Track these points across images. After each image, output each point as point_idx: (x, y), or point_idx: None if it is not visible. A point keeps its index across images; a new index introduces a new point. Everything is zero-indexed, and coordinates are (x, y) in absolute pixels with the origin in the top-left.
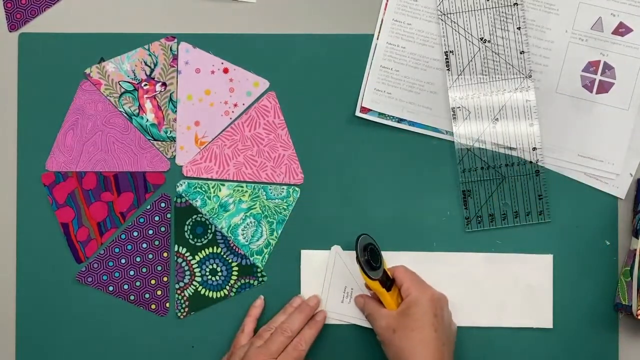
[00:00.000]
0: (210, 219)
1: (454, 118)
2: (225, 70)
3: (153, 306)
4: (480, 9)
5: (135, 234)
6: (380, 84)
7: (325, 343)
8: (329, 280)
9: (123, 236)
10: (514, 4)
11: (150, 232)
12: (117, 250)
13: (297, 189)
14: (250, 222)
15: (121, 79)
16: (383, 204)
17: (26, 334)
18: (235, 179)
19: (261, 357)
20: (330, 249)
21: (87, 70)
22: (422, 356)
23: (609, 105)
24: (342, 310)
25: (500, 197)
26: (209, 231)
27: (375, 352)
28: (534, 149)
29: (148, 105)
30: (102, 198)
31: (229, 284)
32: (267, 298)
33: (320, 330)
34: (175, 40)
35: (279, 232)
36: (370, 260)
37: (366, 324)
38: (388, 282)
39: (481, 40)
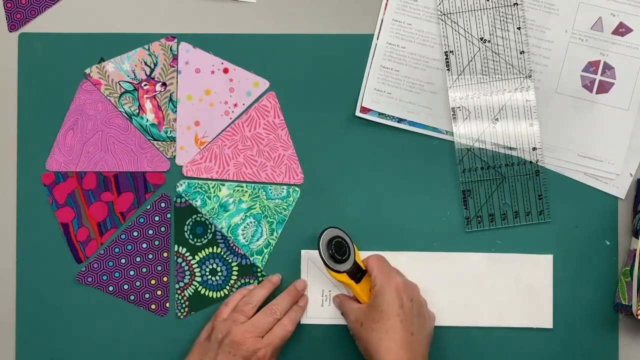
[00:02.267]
0: (210, 219)
1: (454, 118)
2: (225, 70)
3: (153, 306)
4: (480, 9)
5: (135, 234)
6: (380, 84)
7: (310, 346)
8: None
9: (123, 236)
10: (514, 4)
11: (150, 232)
12: (117, 250)
13: (297, 189)
14: (250, 222)
15: (121, 79)
16: (383, 203)
17: (26, 334)
18: (235, 179)
19: (248, 335)
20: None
21: (87, 70)
22: (388, 347)
23: (609, 105)
24: (323, 314)
25: (500, 197)
26: (209, 231)
27: (358, 350)
28: (534, 149)
29: (148, 105)
30: (102, 198)
31: (229, 284)
32: (267, 298)
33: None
34: (175, 40)
35: (279, 232)
36: (335, 253)
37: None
38: (359, 273)
39: (481, 40)
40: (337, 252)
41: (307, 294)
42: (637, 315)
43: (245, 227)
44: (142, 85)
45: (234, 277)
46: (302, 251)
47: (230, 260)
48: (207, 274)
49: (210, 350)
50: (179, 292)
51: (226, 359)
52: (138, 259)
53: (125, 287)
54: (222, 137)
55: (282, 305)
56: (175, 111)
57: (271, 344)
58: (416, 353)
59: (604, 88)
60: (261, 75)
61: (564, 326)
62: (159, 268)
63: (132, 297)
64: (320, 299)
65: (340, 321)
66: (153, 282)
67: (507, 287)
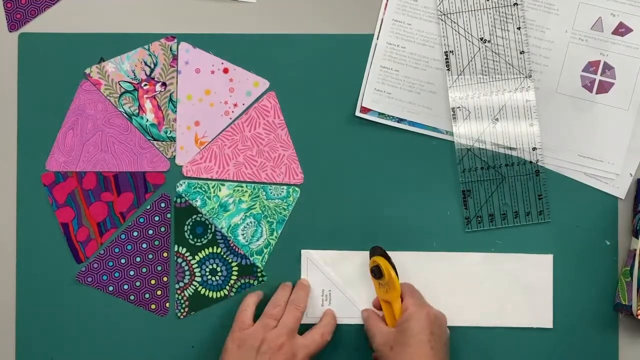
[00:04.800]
0: (210, 219)
1: (454, 118)
2: (225, 70)
3: (153, 306)
4: (480, 9)
5: (135, 234)
6: (380, 84)
7: None
8: None
9: (123, 236)
10: (514, 4)
11: (150, 232)
12: (117, 250)
13: (297, 189)
14: (250, 222)
15: (121, 79)
16: (383, 204)
17: (26, 334)
18: (235, 179)
19: (284, 337)
20: (331, 250)
21: (87, 70)
22: None
23: (609, 105)
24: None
25: (500, 197)
26: (209, 231)
27: (359, 350)
28: (534, 149)
29: (148, 105)
30: (102, 198)
31: (229, 284)
32: (267, 298)
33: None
34: (175, 40)
35: (279, 232)
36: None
37: (348, 321)
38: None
39: (481, 40)
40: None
41: (308, 299)
42: (637, 315)
43: (245, 227)
44: (142, 85)
45: (234, 277)
46: (302, 251)
47: (230, 260)
48: (207, 274)
49: (248, 358)
50: (179, 292)
51: None
52: (138, 259)
53: (125, 287)
54: (222, 137)
55: (302, 298)
56: (175, 111)
57: (308, 347)
58: None
59: (604, 88)
60: (261, 75)
61: (564, 326)
62: (159, 268)
63: (132, 297)
64: (321, 299)
65: (340, 321)
66: (153, 282)
67: (507, 287)
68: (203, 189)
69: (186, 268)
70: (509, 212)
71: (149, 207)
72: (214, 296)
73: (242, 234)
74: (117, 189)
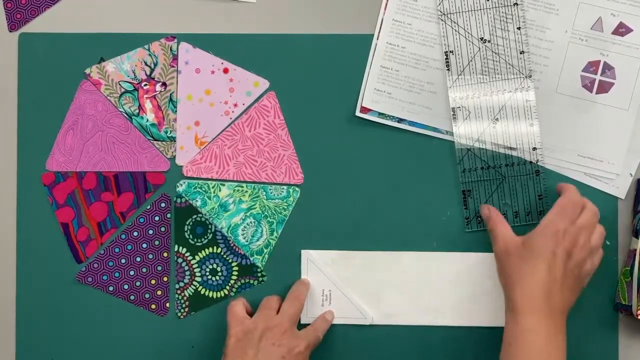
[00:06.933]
0: (210, 219)
1: (454, 118)
2: (225, 70)
3: (153, 306)
4: (480, 9)
5: (135, 234)
6: (380, 84)
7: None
8: None
9: (123, 236)
10: (514, 4)
11: (150, 232)
12: (117, 250)
13: (297, 189)
14: (250, 222)
15: (121, 79)
16: (383, 203)
17: (26, 334)
18: (235, 179)
19: (286, 324)
20: (331, 250)
21: (87, 70)
22: (527, 289)
23: (609, 105)
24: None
25: (500, 197)
26: (209, 231)
27: (359, 350)
28: (534, 149)
29: (148, 105)
30: (102, 198)
31: (229, 284)
32: (258, 301)
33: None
34: (175, 40)
35: (279, 232)
36: None
37: (348, 322)
38: None
39: (481, 40)
40: None
41: (308, 294)
42: (637, 315)
43: (245, 227)
44: (142, 85)
45: (234, 277)
46: (302, 251)
47: (230, 260)
48: (207, 274)
49: (250, 347)
50: (179, 292)
51: (271, 350)
52: (138, 259)
53: (125, 287)
54: (222, 137)
55: (302, 290)
56: (175, 111)
57: (307, 339)
58: (554, 303)
59: (604, 88)
60: (261, 75)
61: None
62: (159, 268)
63: (132, 297)
64: (321, 299)
65: (340, 321)
66: (153, 282)
67: None
68: (203, 189)
69: (186, 268)
70: (509, 212)
71: (149, 207)
72: (214, 296)
73: (242, 234)
74: (117, 189)
